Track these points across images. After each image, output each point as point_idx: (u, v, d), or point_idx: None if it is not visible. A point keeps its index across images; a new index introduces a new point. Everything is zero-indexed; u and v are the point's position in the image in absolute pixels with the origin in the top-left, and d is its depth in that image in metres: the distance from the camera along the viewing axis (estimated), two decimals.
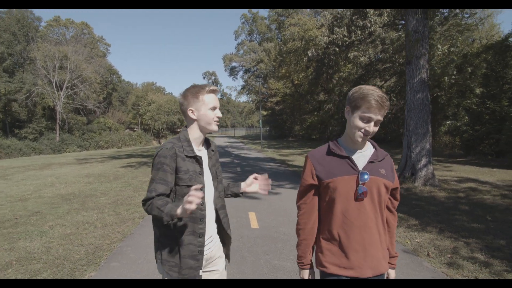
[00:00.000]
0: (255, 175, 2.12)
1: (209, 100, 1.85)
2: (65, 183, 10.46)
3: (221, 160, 16.56)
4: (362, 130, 1.60)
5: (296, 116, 43.96)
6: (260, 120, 35.58)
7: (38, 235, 5.30)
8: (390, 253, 1.81)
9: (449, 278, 3.71)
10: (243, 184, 2.11)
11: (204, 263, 1.88)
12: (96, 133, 49.42)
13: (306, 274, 1.79)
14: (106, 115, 58.59)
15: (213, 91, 1.88)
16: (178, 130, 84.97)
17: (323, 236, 1.73)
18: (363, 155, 1.71)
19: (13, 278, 3.75)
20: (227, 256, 2.09)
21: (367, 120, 1.59)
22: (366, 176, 1.61)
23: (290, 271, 3.91)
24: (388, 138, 27.05)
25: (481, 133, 16.20)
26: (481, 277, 3.70)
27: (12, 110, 43.45)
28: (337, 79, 28.40)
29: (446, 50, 10.95)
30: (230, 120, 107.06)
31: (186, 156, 1.82)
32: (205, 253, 1.87)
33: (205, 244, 1.87)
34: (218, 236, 2.04)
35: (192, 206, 1.51)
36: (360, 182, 1.61)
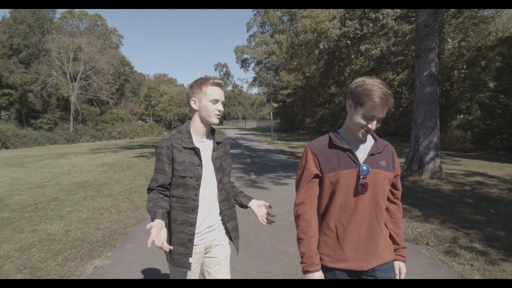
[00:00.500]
0: (267, 204, 2.14)
1: (211, 92, 1.87)
2: (80, 172, 10.85)
3: (232, 151, 16.82)
4: (364, 128, 1.58)
5: (307, 109, 43.85)
6: (271, 112, 35.71)
7: (57, 219, 5.63)
8: (399, 244, 1.76)
9: (446, 266, 3.89)
10: (253, 202, 2.13)
11: (204, 251, 1.96)
12: (109, 123, 50.14)
13: (317, 278, 1.67)
14: (119, 106, 59.32)
15: (217, 84, 1.89)
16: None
17: (320, 228, 1.72)
18: (364, 148, 1.69)
19: (36, 257, 4.05)
20: (236, 247, 2.12)
21: (370, 118, 1.56)
22: (366, 170, 1.60)
23: (294, 255, 4.14)
24: (399, 131, 26.97)
25: (492, 127, 16.10)
26: (476, 264, 3.86)
27: (28, 101, 44.34)
28: (348, 71, 28.25)
29: (457, 44, 10.91)
30: (241, 112, 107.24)
31: (184, 148, 1.87)
32: (202, 241, 1.93)
33: (201, 233, 1.92)
34: (224, 227, 2.08)
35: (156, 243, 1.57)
36: (361, 176, 1.60)
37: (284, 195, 7.64)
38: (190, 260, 1.87)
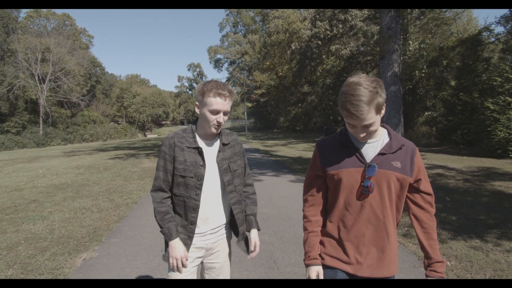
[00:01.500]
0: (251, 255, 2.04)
1: (211, 103, 1.81)
2: (56, 174, 10.85)
3: None
4: (353, 133, 1.55)
5: (280, 108, 44.58)
6: (245, 112, 36.15)
7: (39, 219, 5.78)
8: (432, 258, 1.60)
9: (403, 246, 4.38)
10: (254, 232, 2.06)
11: (204, 252, 1.97)
12: (81, 126, 49.17)
13: (313, 272, 1.65)
14: (90, 108, 58.15)
15: (219, 95, 1.80)
16: (163, 122, 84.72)
17: (324, 227, 1.69)
18: (373, 146, 1.59)
19: (24, 254, 4.25)
20: (243, 249, 2.07)
21: (354, 126, 1.50)
22: (374, 169, 1.51)
23: (268, 242, 4.53)
24: None
25: (454, 123, 17.12)
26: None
27: None
28: (320, 71, 29.00)
29: (417, 46, 11.67)
30: None
31: (187, 147, 1.88)
32: (203, 243, 1.95)
33: (203, 233, 1.94)
34: (232, 231, 2.09)
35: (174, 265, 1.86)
36: (367, 176, 1.52)
37: (259, 190, 8.03)
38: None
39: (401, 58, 9.96)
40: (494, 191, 7.33)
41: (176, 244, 1.84)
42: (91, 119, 53.78)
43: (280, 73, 38.28)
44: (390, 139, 1.60)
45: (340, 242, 1.61)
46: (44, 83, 44.61)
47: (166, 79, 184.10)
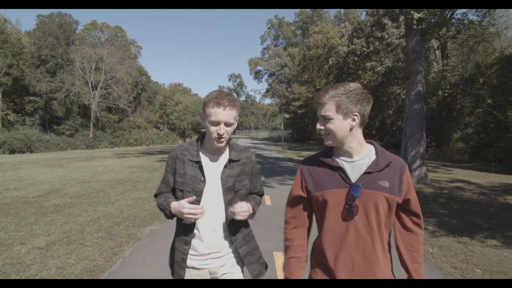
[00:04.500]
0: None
1: (211, 113, 1.71)
2: (114, 172, 12.55)
3: None
4: (318, 128, 1.55)
5: (317, 120, 45.17)
6: (282, 123, 37.32)
7: (109, 204, 7.25)
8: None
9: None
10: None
11: (209, 277, 1.85)
12: (126, 131, 52.31)
13: None
14: (135, 114, 61.70)
15: (218, 105, 1.70)
16: (203, 130, 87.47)
17: (315, 252, 1.63)
18: (359, 164, 1.51)
19: (105, 225, 5.64)
20: (250, 272, 1.91)
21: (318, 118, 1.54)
22: (359, 190, 1.44)
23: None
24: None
25: (486, 141, 17.36)
26: None
27: (52, 108, 46.86)
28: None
29: (441, 68, 12.34)
30: (253, 122, 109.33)
31: (189, 160, 1.80)
32: (205, 266, 1.83)
33: (204, 256, 1.82)
34: (237, 253, 1.90)
35: (189, 220, 1.71)
36: (351, 197, 1.45)
37: (287, 191, 9.14)
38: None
39: (425, 78, 10.73)
40: (504, 204, 8.00)
41: (175, 205, 1.74)
42: (136, 124, 57.07)
43: (318, 86, 39.14)
44: (377, 156, 1.52)
45: (328, 269, 1.52)
46: (96, 90, 48.22)
47: (208, 88, 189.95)
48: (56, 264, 4.00)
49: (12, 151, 29.89)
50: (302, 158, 20.84)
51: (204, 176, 1.77)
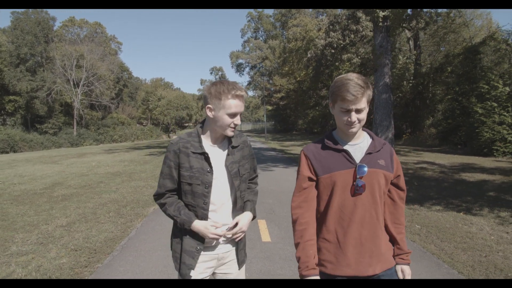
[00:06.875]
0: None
1: (230, 105, 1.73)
2: (108, 165, 13.35)
3: None
4: (345, 122, 1.57)
5: (299, 111, 46.32)
6: (265, 115, 38.33)
7: (112, 192, 8.14)
8: (402, 249, 1.69)
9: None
10: (239, 218, 1.87)
11: (215, 262, 1.89)
12: (110, 127, 52.27)
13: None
14: (118, 110, 61.64)
15: (238, 97, 1.75)
16: (186, 124, 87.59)
17: (319, 233, 1.68)
18: (360, 147, 1.65)
19: (113, 208, 6.55)
20: (240, 262, 1.97)
21: (346, 111, 1.55)
22: (364, 169, 1.56)
23: (269, 203, 6.66)
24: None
25: (453, 126, 18.77)
26: None
27: (33, 107, 46.57)
28: (336, 76, 30.64)
29: (406, 60, 13.55)
30: None
31: (193, 153, 1.80)
32: (215, 253, 1.87)
33: (214, 244, 1.87)
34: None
35: (212, 240, 1.80)
36: (358, 176, 1.56)
37: (270, 176, 10.21)
38: (192, 273, 1.81)
39: (391, 71, 11.90)
40: (458, 179, 9.21)
41: (199, 224, 1.78)
42: (120, 121, 57.01)
43: (298, 78, 40.11)
44: (373, 139, 1.69)
45: (338, 246, 1.60)
46: (78, 88, 48.10)
47: (189, 82, 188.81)
48: (82, 236, 4.92)
49: None
50: (284, 148, 21.95)
51: (211, 167, 1.80)
